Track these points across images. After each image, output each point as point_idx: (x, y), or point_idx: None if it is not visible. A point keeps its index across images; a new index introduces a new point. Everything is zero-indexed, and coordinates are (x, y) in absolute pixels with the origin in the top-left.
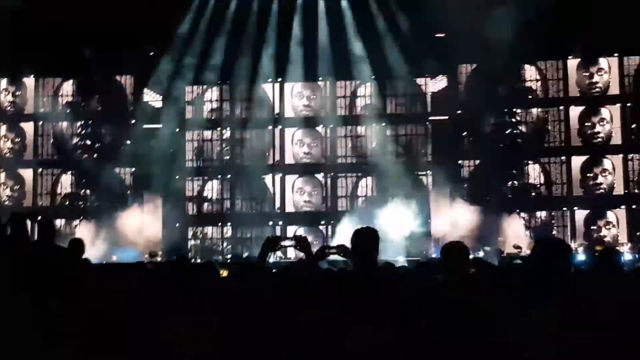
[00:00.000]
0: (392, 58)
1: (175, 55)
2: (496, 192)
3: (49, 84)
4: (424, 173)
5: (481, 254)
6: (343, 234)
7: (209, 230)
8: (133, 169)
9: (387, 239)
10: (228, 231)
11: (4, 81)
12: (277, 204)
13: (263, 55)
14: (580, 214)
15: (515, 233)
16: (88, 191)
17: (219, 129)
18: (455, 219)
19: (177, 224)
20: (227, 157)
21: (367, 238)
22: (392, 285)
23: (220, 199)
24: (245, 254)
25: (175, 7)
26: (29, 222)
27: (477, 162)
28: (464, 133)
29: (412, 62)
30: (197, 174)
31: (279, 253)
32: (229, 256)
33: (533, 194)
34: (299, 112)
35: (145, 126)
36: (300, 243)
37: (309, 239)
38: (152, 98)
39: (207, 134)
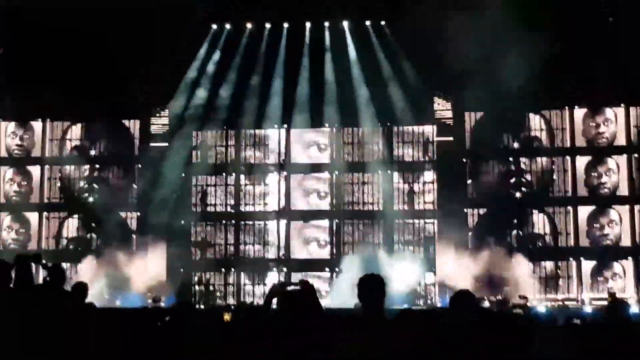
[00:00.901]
0: (398, 104)
1: (181, 100)
2: (502, 241)
3: (57, 128)
4: (430, 221)
5: (486, 304)
6: (348, 280)
7: (213, 275)
8: (138, 213)
9: (392, 286)
10: (232, 277)
11: (12, 125)
12: (282, 250)
13: (269, 100)
14: (587, 265)
15: (522, 282)
16: (93, 234)
17: (224, 174)
18: (461, 267)
19: (182, 269)
20: (232, 203)
21: (373, 286)
22: (400, 330)
23: (225, 244)
24: (249, 300)
25: (183, 53)
26: (34, 266)
27: (483, 210)
28: (469, 181)
29: (419, 108)
30: (202, 219)
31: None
32: (233, 302)
33: (539, 243)
34: (304, 158)
35: (151, 171)
36: (306, 287)
37: (314, 285)
38: (158, 143)
39: (212, 179)
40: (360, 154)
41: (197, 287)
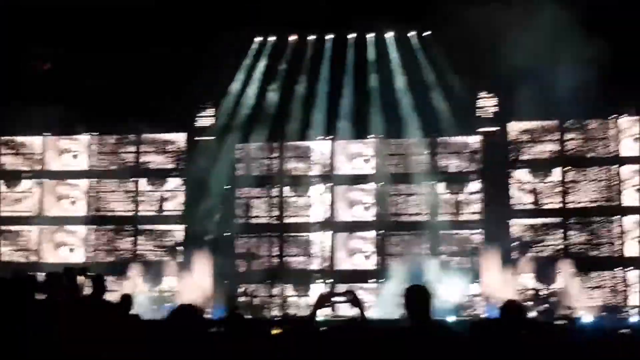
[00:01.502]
0: (443, 114)
1: (226, 111)
2: (547, 250)
3: (105, 141)
4: (475, 231)
5: (534, 314)
6: (393, 291)
7: (257, 287)
8: (184, 226)
9: (436, 296)
10: (277, 289)
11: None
12: (326, 262)
13: (313, 112)
14: (633, 274)
15: (568, 292)
16: (140, 247)
17: (267, 185)
18: (506, 277)
19: (226, 281)
20: (276, 214)
21: (420, 296)
22: (448, 343)
23: (269, 256)
24: (294, 312)
25: (226, 64)
26: (81, 278)
27: (529, 220)
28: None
29: (464, 119)
30: (246, 231)
31: (328, 310)
32: (278, 313)
33: (585, 253)
34: (349, 169)
35: (196, 184)
36: (352, 297)
37: (360, 296)
38: (203, 154)
39: (256, 191)
40: (405, 165)
41: (242, 299)
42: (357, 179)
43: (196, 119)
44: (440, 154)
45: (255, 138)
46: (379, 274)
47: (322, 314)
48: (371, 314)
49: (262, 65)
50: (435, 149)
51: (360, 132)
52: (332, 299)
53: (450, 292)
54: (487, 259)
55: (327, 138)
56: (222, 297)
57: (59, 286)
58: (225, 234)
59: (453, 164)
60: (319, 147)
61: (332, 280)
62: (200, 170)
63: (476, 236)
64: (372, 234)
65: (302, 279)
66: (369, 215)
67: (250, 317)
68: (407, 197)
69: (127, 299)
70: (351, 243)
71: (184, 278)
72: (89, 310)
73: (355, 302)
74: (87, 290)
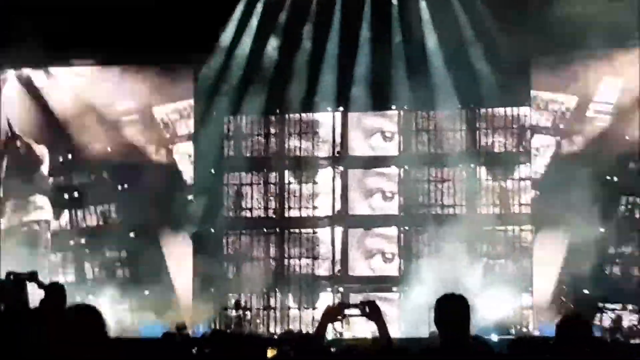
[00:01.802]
0: (485, 81)
1: (213, 74)
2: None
3: None
4: (526, 227)
5: (601, 332)
6: (422, 303)
7: (251, 297)
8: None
9: (475, 309)
10: (275, 299)
11: None
12: (337, 266)
13: (321, 77)
14: None
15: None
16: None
17: (264, 170)
18: (565, 285)
19: (212, 290)
20: (274, 206)
21: (456, 308)
22: None
23: (265, 258)
24: (297, 328)
25: (219, 13)
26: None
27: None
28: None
29: (511, 86)
30: (237, 227)
31: (339, 326)
32: (277, 330)
33: None
34: (365, 149)
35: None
36: (371, 310)
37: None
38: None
39: (249, 176)
40: (436, 144)
41: (232, 312)
42: (376, 161)
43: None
44: (481, 129)
45: (249, 108)
46: (403, 280)
47: (332, 331)
48: (393, 330)
49: (257, 15)
50: (475, 123)
51: (380, 102)
52: (345, 312)
53: (493, 303)
54: (540, 263)
55: (339, 109)
56: (206, 310)
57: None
58: (209, 230)
59: (498, 143)
60: (328, 121)
61: (343, 288)
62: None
63: (527, 234)
64: (395, 230)
65: (307, 286)
66: (391, 207)
67: (241, 334)
68: (440, 184)
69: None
70: (368, 242)
71: (160, 285)
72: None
73: (373, 315)
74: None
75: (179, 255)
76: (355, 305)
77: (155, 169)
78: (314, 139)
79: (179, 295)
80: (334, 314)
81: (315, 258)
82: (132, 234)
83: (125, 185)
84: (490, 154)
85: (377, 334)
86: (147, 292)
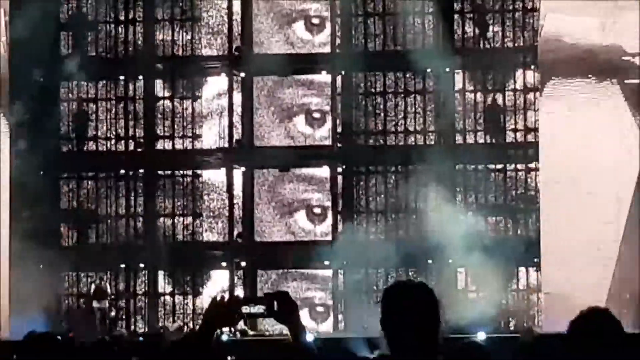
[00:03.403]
0: None
1: None
2: None
3: None
4: (531, 166)
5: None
6: (367, 285)
7: (103, 277)
8: None
9: (453, 294)
10: (142, 279)
11: None
12: (237, 228)
13: None
14: None
15: None
16: None
17: (120, 77)
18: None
19: (41, 266)
20: (138, 134)
21: (415, 303)
22: None
23: (126, 216)
24: (175, 324)
25: None
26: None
27: None
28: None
29: None
30: (78, 167)
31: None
32: (142, 327)
33: None
34: (280, 46)
35: None
36: (281, 306)
37: (298, 301)
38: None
39: (98, 86)
40: (391, 37)
41: (70, 299)
42: (298, 63)
43: None
44: (459, 14)
45: None
46: (341, 251)
47: (228, 331)
48: (327, 327)
49: None
50: (450, 3)
51: None
52: (242, 310)
53: (482, 286)
54: (552, 212)
55: None
56: (33, 299)
57: None
58: (36, 172)
59: (487, 33)
60: (222, 3)
61: (247, 263)
62: None
63: (532, 174)
64: (327, 171)
65: (190, 260)
66: (322, 136)
67: (85, 335)
68: (398, 98)
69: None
70: (286, 190)
71: None
72: None
73: (284, 315)
74: None
75: None
76: (258, 299)
77: None
78: (198, 28)
79: None
80: (224, 313)
81: (201, 215)
82: None
83: None
84: (476, 52)
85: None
86: None
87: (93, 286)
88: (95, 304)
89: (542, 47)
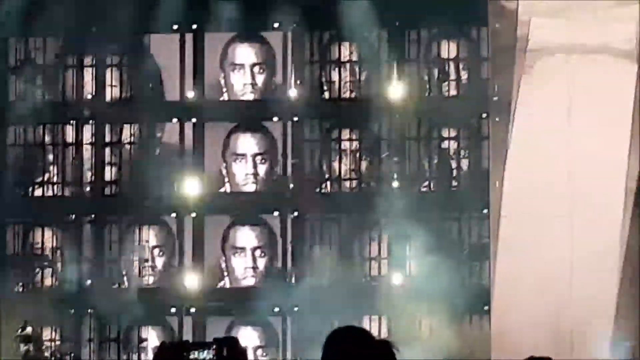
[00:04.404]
0: None
1: None
2: None
3: None
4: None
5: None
6: (319, 333)
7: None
8: None
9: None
10: (85, 327)
11: None
12: (187, 273)
13: None
14: None
15: None
16: None
17: (69, 121)
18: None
19: None
20: (85, 179)
21: (357, 351)
22: None
23: (71, 262)
24: None
25: None
26: None
27: None
28: None
29: None
30: (25, 213)
31: None
32: None
33: None
34: (234, 89)
35: None
36: (229, 351)
37: (247, 338)
38: None
39: (44, 132)
40: (344, 84)
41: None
42: (250, 109)
43: None
44: (419, 61)
45: (45, 25)
46: (291, 296)
47: None
48: None
49: None
50: (405, 51)
51: (255, 18)
52: (191, 354)
53: (432, 333)
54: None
55: (191, 29)
56: None
57: None
58: None
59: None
60: (174, 46)
61: (196, 310)
62: None
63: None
64: (277, 218)
65: (136, 305)
66: (272, 181)
67: None
68: (351, 145)
69: None
70: (238, 235)
71: None
72: None
73: (233, 359)
74: None
75: None
76: (206, 345)
77: None
78: (149, 72)
79: None
80: (172, 358)
81: (146, 261)
82: None
83: None
84: (430, 100)
85: None
86: None
87: (19, 330)
88: (22, 347)
89: None
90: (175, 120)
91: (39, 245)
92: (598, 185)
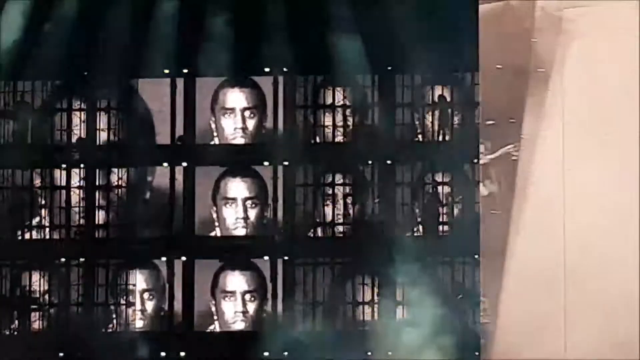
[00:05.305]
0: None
1: None
2: None
3: None
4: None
5: None
6: None
7: None
8: None
9: None
10: None
11: None
12: (176, 318)
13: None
14: None
15: None
16: None
17: (60, 165)
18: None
19: None
20: (75, 222)
21: None
22: None
23: (61, 307)
24: None
25: None
26: None
27: None
28: None
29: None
30: (13, 256)
31: None
32: None
33: None
34: (224, 135)
35: None
36: None
37: None
38: None
39: (33, 176)
40: (335, 128)
41: None
42: (240, 154)
43: None
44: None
45: (37, 70)
46: (278, 341)
47: None
48: None
49: None
50: (396, 96)
51: (247, 62)
52: None
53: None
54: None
55: (182, 73)
56: None
57: None
58: None
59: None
60: (165, 90)
61: (185, 353)
62: None
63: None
64: (267, 263)
65: (127, 349)
66: (263, 226)
67: None
68: (344, 189)
69: None
70: (228, 280)
71: None
72: None
73: None
74: None
75: None
76: None
77: None
78: (140, 118)
79: None
80: None
81: (134, 305)
82: None
83: None
84: (420, 145)
85: None
86: None
87: None
88: None
89: None
90: (165, 164)
91: (27, 288)
92: None
